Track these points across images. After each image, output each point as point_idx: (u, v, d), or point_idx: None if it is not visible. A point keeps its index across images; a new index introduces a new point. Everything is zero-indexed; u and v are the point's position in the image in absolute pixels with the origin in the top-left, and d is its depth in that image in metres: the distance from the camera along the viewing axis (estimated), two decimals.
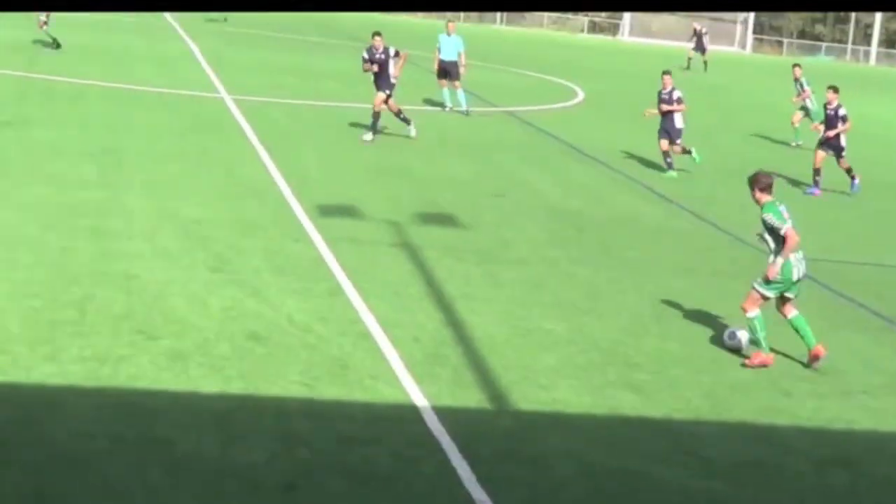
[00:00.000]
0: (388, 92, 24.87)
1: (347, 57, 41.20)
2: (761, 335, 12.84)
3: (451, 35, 31.01)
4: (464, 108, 30.57)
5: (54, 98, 26.73)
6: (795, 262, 12.80)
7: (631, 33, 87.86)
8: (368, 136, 24.60)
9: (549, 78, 44.96)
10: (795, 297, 13.06)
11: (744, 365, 12.83)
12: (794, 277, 12.82)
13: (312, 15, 58.91)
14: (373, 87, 25.14)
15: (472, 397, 11.20)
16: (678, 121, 24.77)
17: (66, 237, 14.98)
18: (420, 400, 10.92)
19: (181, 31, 47.81)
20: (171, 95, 28.64)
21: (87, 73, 31.30)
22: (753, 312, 12.87)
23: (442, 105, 31.26)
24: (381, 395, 10.99)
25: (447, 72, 30.85)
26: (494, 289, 14.92)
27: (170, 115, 25.11)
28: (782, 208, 12.88)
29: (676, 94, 24.67)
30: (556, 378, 11.89)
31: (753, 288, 12.94)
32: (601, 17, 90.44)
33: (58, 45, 34.97)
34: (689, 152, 25.04)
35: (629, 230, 19.39)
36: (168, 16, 54.14)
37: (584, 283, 15.73)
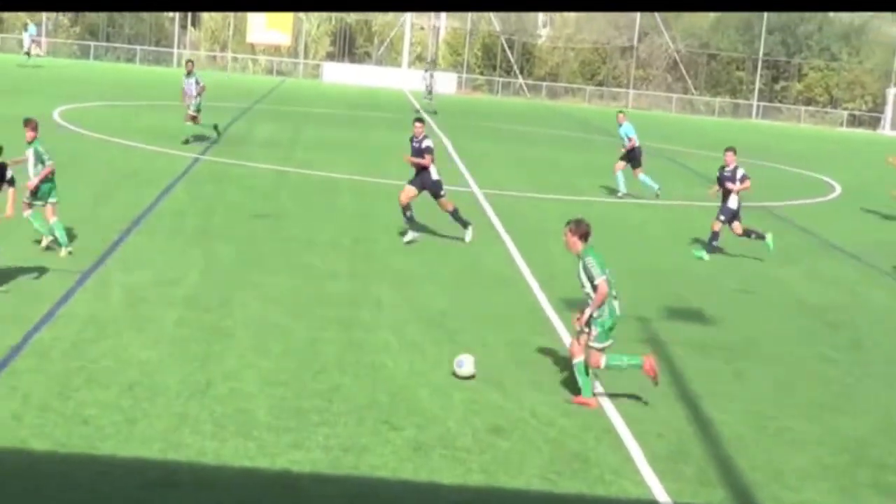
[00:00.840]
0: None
1: (597, 151, 41.35)
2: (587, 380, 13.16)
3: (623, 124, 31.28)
4: (656, 188, 31.23)
5: (308, 191, 27.59)
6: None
7: (892, 126, 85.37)
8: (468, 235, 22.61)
9: (806, 172, 44.09)
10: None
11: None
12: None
13: (558, 107, 59.41)
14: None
15: (716, 496, 10.88)
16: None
17: (315, 327, 15.33)
18: (662, 496, 10.67)
19: (435, 127, 48.88)
20: None
21: (340, 166, 32.25)
22: (579, 358, 13.17)
23: (615, 191, 31.53)
24: (624, 490, 10.79)
25: (633, 157, 31.10)
26: (741, 386, 14.54)
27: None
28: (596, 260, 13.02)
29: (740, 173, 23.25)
30: (805, 479, 11.46)
31: (591, 347, 13.11)
32: (861, 110, 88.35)
33: (218, 133, 35.91)
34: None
35: (883, 327, 18.67)
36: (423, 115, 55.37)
37: (834, 381, 15.19)
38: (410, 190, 22.09)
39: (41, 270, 16.95)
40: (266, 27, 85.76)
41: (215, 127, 35.36)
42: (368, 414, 12.16)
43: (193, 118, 34.49)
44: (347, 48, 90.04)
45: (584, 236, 13.17)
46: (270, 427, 11.51)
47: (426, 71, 58.50)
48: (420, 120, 22.59)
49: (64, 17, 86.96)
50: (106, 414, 11.45)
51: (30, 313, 14.65)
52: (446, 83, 75.08)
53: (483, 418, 12.36)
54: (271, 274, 18.30)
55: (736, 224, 23.29)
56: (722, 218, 23.24)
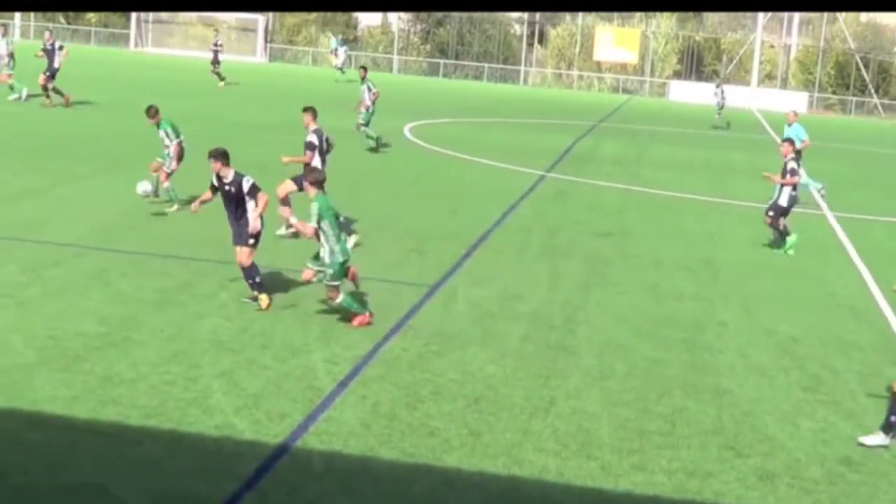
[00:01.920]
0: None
1: None
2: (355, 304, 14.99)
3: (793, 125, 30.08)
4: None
5: (653, 210, 27.33)
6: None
7: None
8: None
9: None
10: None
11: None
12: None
13: None
14: None
15: None
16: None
17: (660, 348, 15.12)
18: None
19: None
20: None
21: (687, 186, 31.84)
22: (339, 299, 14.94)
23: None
24: None
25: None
26: None
27: (762, 228, 24.83)
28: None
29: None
30: None
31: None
32: None
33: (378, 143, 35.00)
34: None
35: None
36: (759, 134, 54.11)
37: None
38: (289, 185, 20.51)
39: (392, 283, 17.43)
40: (613, 45, 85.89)
41: (377, 139, 34.80)
42: (713, 439, 11.88)
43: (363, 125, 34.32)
44: (695, 66, 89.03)
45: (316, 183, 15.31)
46: (613, 448, 11.39)
47: (717, 87, 57.24)
48: (307, 109, 20.78)
49: (415, 37, 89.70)
50: (451, 426, 11.61)
51: (380, 324, 15.05)
52: (796, 102, 73.02)
53: (833, 449, 11.87)
54: (616, 293, 18.19)
55: (781, 220, 22.84)
56: (771, 213, 22.79)
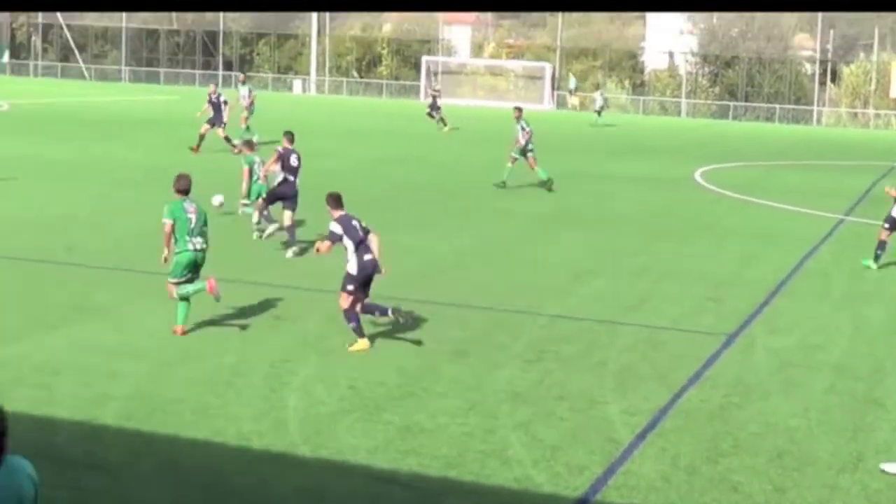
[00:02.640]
0: None
1: None
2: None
3: None
4: None
5: None
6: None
7: None
8: None
9: None
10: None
11: None
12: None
13: None
14: None
15: None
16: None
17: None
18: None
19: None
20: None
21: None
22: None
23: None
24: None
25: None
26: None
27: None
28: None
29: None
30: None
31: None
32: None
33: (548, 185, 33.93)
34: None
35: None
36: None
37: None
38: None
39: (689, 332, 17.16)
40: None
41: (547, 182, 33.81)
42: None
43: (516, 160, 33.42)
44: None
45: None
46: None
47: None
48: (287, 133, 23.09)
49: (703, 79, 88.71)
50: (754, 481, 11.27)
51: (677, 374, 14.81)
52: None
53: None
54: None
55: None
56: (886, 225, 22.65)
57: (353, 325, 15.54)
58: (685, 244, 25.30)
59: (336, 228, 15.59)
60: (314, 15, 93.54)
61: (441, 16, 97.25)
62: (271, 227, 22.21)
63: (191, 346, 15.33)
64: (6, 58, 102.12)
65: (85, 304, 17.37)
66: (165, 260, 16.01)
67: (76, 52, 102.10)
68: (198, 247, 15.89)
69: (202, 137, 39.40)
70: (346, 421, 12.53)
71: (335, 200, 15.91)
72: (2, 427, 5.87)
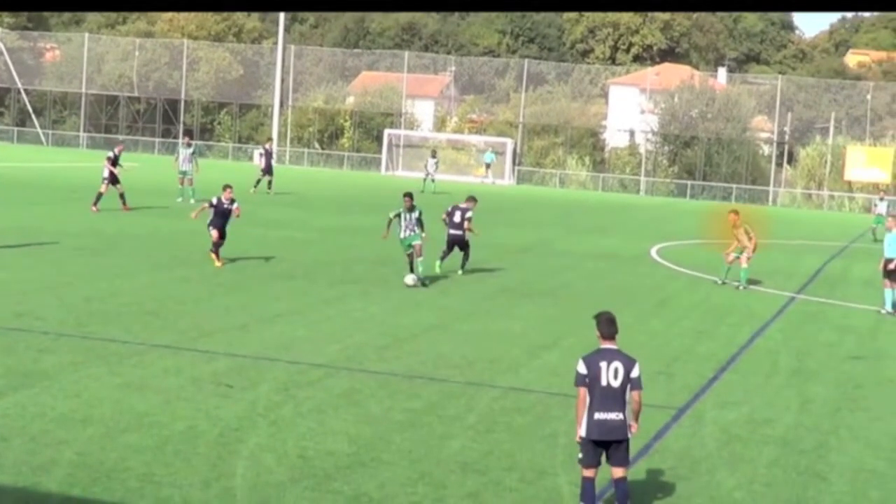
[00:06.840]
0: None
1: None
2: None
3: (893, 231, 28.34)
4: None
5: None
6: None
7: None
8: None
9: None
10: None
11: None
12: None
13: None
14: None
15: None
16: None
17: None
18: None
19: None
20: None
21: None
22: None
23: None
24: None
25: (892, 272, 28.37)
26: None
27: None
28: None
29: None
30: None
31: None
32: None
33: None
34: None
35: None
36: None
37: None
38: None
39: None
40: (865, 164, 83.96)
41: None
42: None
43: None
44: None
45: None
46: None
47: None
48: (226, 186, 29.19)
49: (662, 158, 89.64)
50: None
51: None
52: None
53: None
54: (869, 418, 17.58)
55: None
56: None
57: None
58: (640, 319, 25.48)
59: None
60: (277, 85, 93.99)
61: (405, 90, 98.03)
62: None
63: (140, 412, 15.29)
64: None
65: (33, 369, 17.31)
66: None
67: (33, 116, 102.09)
68: None
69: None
70: (294, 490, 12.53)
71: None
72: None
